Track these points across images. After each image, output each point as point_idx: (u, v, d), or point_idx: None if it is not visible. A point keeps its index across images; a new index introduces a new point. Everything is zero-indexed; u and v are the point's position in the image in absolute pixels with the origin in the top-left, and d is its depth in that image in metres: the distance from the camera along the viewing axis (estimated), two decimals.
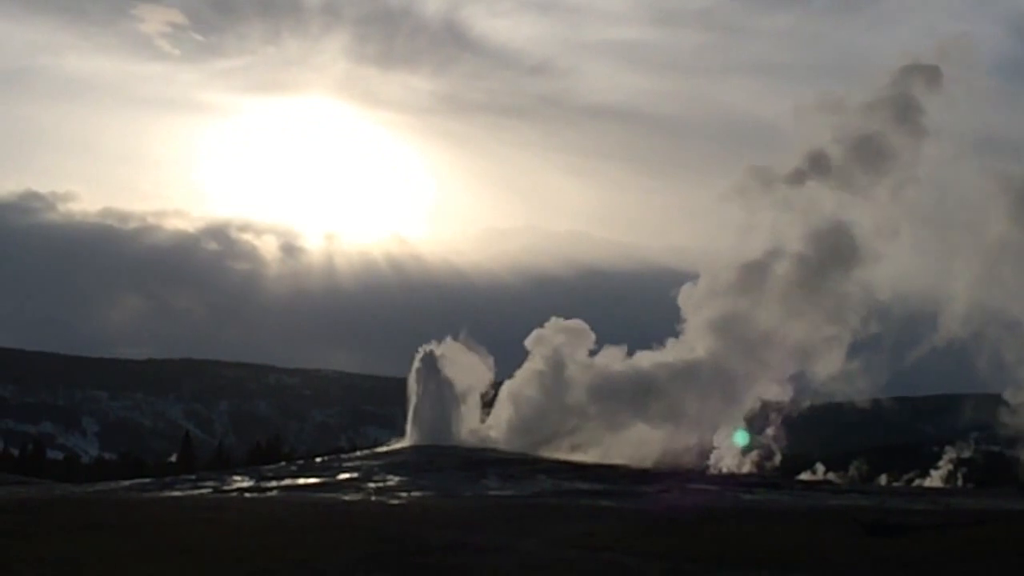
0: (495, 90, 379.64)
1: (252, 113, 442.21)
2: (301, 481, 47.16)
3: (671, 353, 64.87)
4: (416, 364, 64.81)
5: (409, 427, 64.31)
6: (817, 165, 66.16)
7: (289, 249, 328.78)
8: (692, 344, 64.67)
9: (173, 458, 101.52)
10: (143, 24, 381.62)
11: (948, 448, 73.77)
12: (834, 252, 64.25)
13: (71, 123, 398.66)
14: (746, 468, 61.90)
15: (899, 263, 67.50)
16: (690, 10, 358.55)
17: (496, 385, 65.87)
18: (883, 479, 69.51)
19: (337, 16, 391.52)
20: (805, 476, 64.52)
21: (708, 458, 63.19)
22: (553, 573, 17.79)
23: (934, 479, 70.11)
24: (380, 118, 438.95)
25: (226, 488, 46.00)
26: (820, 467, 68.61)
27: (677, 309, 64.51)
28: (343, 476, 48.16)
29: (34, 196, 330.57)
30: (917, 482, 68.76)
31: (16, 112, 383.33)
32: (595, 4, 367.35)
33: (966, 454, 74.18)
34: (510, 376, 65.90)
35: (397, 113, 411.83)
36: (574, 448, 61.15)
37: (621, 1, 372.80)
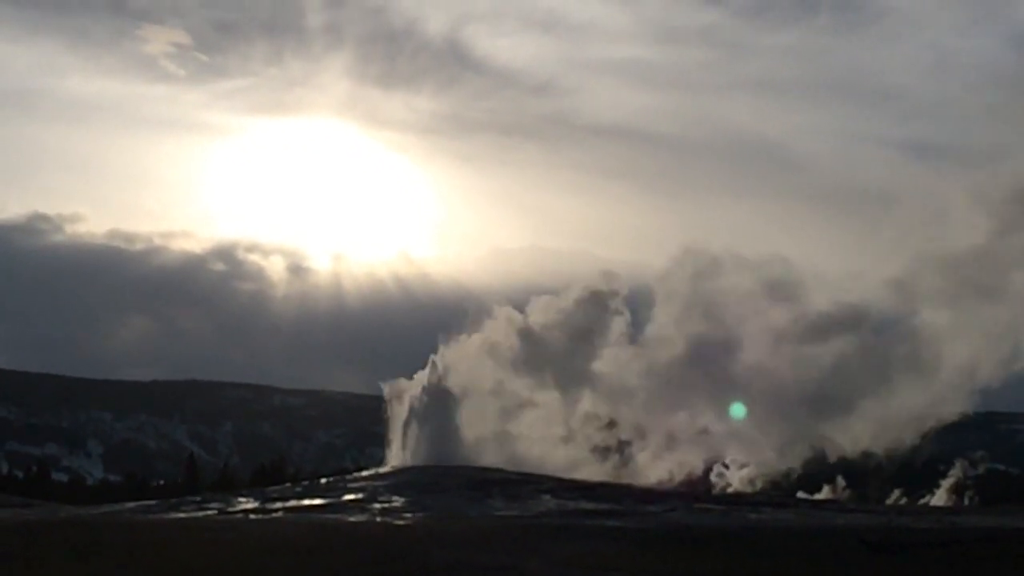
0: (498, 110, 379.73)
1: (256, 134, 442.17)
2: (306, 502, 47.10)
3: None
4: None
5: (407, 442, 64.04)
6: None
7: (296, 269, 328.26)
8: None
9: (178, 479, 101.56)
10: (148, 45, 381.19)
11: (953, 466, 73.68)
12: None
13: (76, 144, 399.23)
14: (751, 487, 61.94)
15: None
16: (693, 28, 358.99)
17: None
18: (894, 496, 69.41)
19: (339, 36, 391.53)
20: (803, 492, 64.47)
21: (711, 476, 63.24)
22: None
23: (939, 497, 69.98)
24: (384, 138, 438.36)
25: (231, 510, 45.94)
26: (840, 480, 68.15)
27: None
28: (348, 497, 48.10)
29: (41, 218, 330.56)
30: (922, 500, 68.63)
31: (21, 134, 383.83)
32: (598, 23, 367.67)
33: (972, 472, 74.06)
34: None
35: (400, 133, 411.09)
36: None
37: (624, 20, 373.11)
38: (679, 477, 62.59)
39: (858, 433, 62.72)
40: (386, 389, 65.71)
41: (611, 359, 65.90)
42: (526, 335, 66.33)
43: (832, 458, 64.65)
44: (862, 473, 68.72)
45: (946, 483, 71.77)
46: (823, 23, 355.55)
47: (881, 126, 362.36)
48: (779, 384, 63.08)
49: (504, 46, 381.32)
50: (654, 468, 62.58)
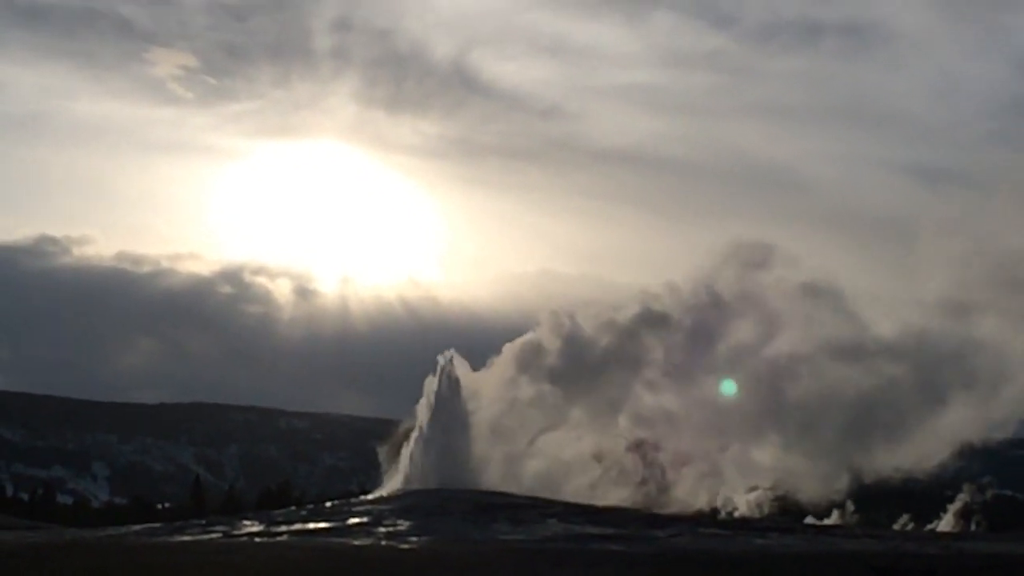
0: (505, 133, 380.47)
1: (263, 156, 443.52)
2: (311, 525, 47.00)
3: None
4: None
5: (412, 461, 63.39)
6: None
7: (303, 292, 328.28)
8: None
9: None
10: (155, 68, 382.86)
11: (960, 491, 73.36)
12: None
13: (84, 167, 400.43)
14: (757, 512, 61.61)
15: None
16: (700, 52, 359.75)
17: None
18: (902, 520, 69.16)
19: (346, 60, 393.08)
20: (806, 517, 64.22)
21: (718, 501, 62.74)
22: None
23: (946, 522, 69.69)
24: (390, 161, 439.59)
25: (236, 532, 45.87)
26: (850, 505, 67.71)
27: None
28: (353, 520, 47.99)
29: (49, 240, 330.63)
30: (929, 526, 68.34)
31: (29, 157, 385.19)
32: (604, 47, 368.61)
33: (979, 497, 73.73)
34: None
35: (407, 157, 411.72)
36: None
37: (630, 44, 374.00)
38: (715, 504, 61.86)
39: (900, 457, 62.31)
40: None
41: (653, 381, 65.31)
42: (570, 346, 65.55)
43: (870, 481, 64.11)
44: (900, 496, 68.39)
45: (953, 508, 71.45)
46: (830, 48, 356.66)
47: (888, 150, 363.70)
48: (825, 409, 62.48)
49: (511, 70, 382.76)
50: (694, 495, 61.89)
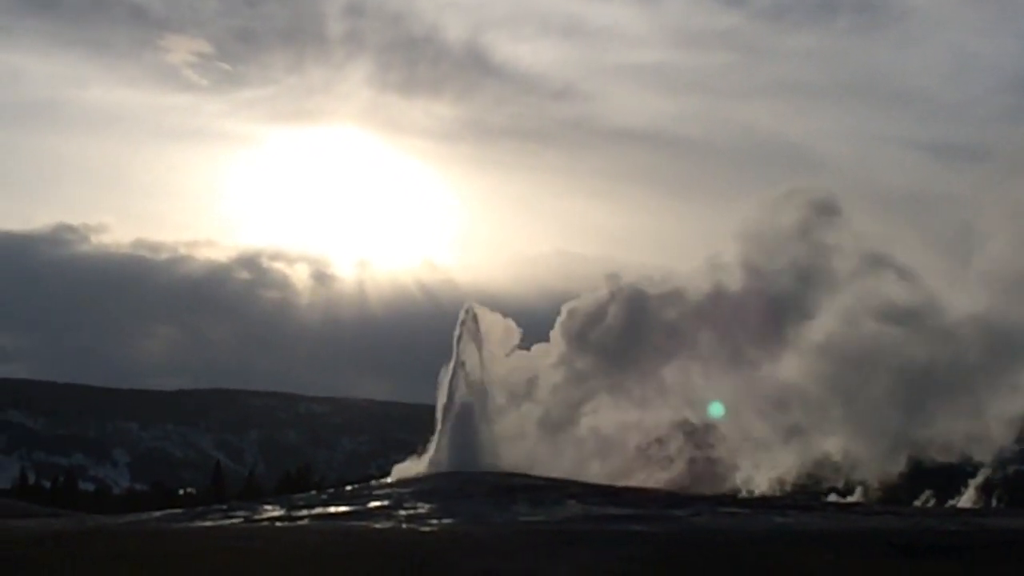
0: (519, 115, 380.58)
1: (278, 142, 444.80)
2: (332, 509, 47.09)
3: None
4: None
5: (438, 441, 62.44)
6: None
7: (320, 277, 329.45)
8: None
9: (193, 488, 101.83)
10: (170, 54, 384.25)
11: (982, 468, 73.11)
12: None
13: (100, 155, 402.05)
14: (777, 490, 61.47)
15: None
16: (713, 31, 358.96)
17: None
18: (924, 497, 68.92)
19: (360, 44, 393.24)
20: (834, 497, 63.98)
21: (735, 480, 62.47)
22: None
23: (967, 498, 69.48)
24: (405, 145, 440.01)
25: (257, 517, 46.00)
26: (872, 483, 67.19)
27: None
28: (373, 504, 48.08)
29: (67, 228, 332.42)
30: (950, 502, 68.16)
31: (45, 145, 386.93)
32: (617, 27, 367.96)
33: (1001, 473, 73.54)
34: None
35: (421, 140, 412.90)
36: None
37: (643, 24, 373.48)
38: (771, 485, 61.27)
39: (960, 437, 61.53)
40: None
41: (708, 357, 63.38)
42: (627, 314, 63.49)
43: (928, 462, 63.44)
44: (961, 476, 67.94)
45: (974, 483, 71.22)
46: (843, 25, 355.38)
47: (902, 128, 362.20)
48: (886, 384, 61.30)
49: (524, 51, 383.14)
50: (746, 479, 61.42)
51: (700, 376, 63.11)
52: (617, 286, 65.35)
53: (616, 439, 61.86)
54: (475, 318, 62.84)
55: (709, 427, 62.65)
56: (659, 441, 62.57)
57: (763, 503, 52.85)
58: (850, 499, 63.84)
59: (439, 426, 61.79)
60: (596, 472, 58.88)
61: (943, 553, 23.49)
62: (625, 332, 63.81)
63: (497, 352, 63.73)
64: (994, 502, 68.58)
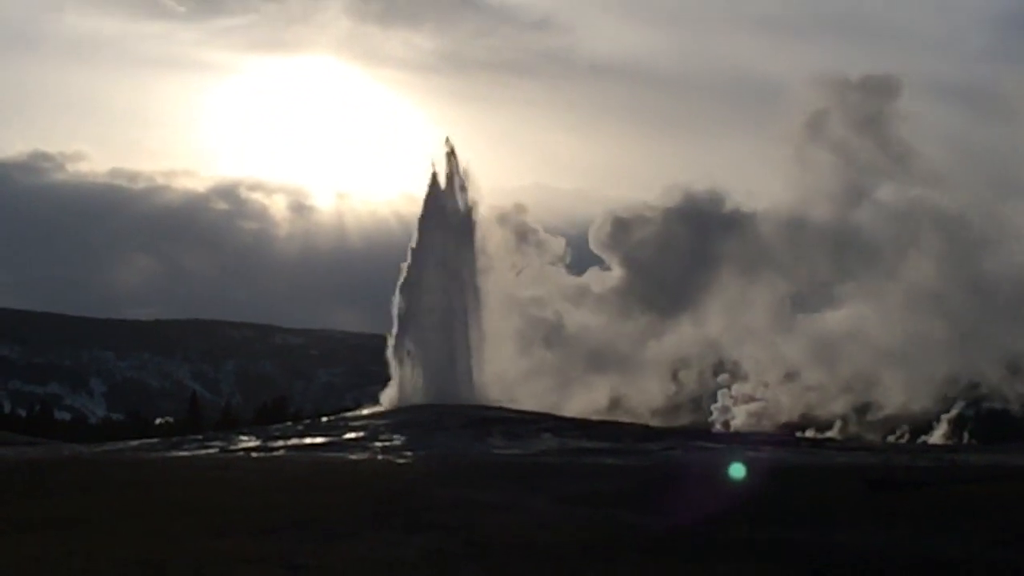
0: (498, 47, 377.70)
1: (256, 72, 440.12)
2: (307, 441, 47.32)
3: None
4: None
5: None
6: None
7: (299, 208, 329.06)
8: None
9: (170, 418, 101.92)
10: None
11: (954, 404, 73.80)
12: None
13: (77, 83, 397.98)
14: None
15: None
16: None
17: None
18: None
19: None
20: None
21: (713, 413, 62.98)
22: (562, 529, 17.83)
23: (938, 435, 70.23)
24: (383, 76, 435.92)
25: (233, 448, 46.18)
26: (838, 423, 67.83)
27: None
28: (349, 435, 48.29)
29: (43, 156, 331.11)
30: (922, 439, 68.88)
31: (20, 73, 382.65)
32: None
33: (971, 411, 74.26)
34: None
35: (400, 71, 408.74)
36: None
37: None
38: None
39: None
40: None
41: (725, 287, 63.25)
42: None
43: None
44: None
45: (945, 419, 71.91)
46: None
47: (885, 65, 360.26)
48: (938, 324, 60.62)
49: None
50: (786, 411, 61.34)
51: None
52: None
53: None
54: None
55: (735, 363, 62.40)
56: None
57: (737, 438, 53.32)
58: (828, 434, 64.57)
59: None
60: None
61: (915, 487, 23.72)
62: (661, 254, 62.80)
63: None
64: (965, 439, 69.34)
